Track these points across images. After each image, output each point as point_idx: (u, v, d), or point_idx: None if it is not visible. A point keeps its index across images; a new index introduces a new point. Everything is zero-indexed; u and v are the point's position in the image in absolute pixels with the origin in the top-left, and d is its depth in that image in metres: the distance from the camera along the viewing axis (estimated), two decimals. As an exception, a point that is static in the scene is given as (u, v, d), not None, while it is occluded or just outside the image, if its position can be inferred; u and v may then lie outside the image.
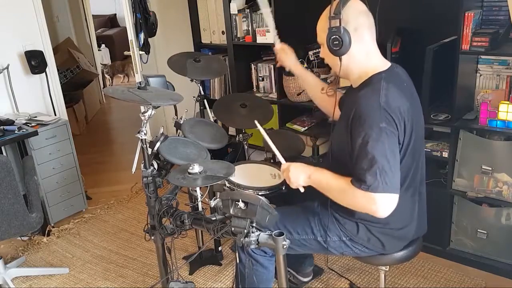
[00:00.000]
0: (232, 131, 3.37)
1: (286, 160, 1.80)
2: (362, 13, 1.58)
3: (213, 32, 3.46)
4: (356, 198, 1.52)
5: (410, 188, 1.66)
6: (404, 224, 1.69)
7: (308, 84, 2.07)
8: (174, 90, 2.46)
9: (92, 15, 6.40)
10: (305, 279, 2.37)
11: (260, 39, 3.00)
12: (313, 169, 1.68)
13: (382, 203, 1.48)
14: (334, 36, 1.54)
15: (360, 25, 1.56)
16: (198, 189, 1.79)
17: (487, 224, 2.39)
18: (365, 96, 1.54)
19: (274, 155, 2.48)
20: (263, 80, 3.21)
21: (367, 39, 1.59)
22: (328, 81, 2.96)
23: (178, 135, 2.26)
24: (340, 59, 1.59)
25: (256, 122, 2.00)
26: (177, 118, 2.33)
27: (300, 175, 1.69)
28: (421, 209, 1.76)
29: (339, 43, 1.54)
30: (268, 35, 2.93)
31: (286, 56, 2.07)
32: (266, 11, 2.18)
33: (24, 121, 3.07)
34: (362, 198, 1.50)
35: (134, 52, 3.45)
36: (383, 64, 1.63)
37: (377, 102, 1.49)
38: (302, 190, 1.70)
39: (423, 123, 1.70)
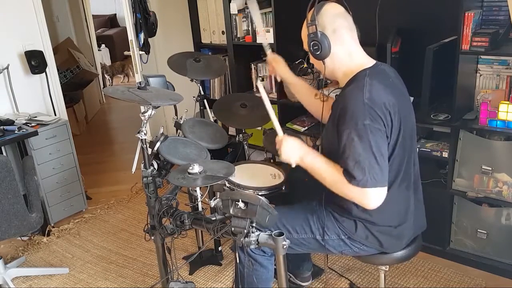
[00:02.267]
0: (232, 131, 3.36)
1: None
2: (338, 16, 1.62)
3: (213, 32, 3.46)
4: (347, 190, 1.57)
5: (403, 183, 1.67)
6: (400, 220, 1.70)
7: (301, 91, 2.09)
8: (174, 90, 2.46)
9: (92, 15, 6.40)
10: (304, 284, 2.37)
11: (260, 39, 3.00)
12: (307, 151, 1.68)
13: (373, 197, 1.54)
14: (313, 42, 1.60)
15: (338, 27, 1.61)
16: (198, 189, 1.79)
17: (487, 224, 2.39)
18: (350, 93, 1.57)
19: (274, 155, 2.49)
20: (263, 80, 3.21)
21: (347, 39, 1.63)
22: (328, 81, 2.96)
23: (178, 135, 2.27)
24: (324, 62, 1.63)
25: (259, 83, 1.92)
26: (177, 118, 2.33)
27: (293, 153, 1.69)
28: (418, 205, 1.77)
29: (319, 48, 1.59)
30: (268, 35, 2.93)
31: (278, 65, 2.09)
32: (258, 21, 2.17)
33: (24, 121, 3.07)
34: (353, 192, 1.55)
35: (134, 52, 3.45)
36: (368, 61, 1.66)
37: (361, 99, 1.51)
38: (293, 165, 1.70)
39: (413, 120, 1.72)
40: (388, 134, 1.56)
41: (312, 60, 1.70)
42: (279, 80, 2.13)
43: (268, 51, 2.11)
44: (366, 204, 1.56)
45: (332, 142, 1.63)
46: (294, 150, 1.69)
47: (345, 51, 1.64)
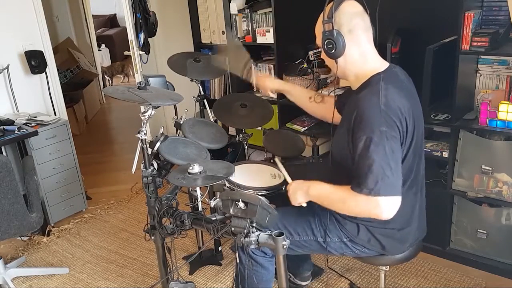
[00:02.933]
0: (232, 131, 3.36)
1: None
2: (356, 15, 1.58)
3: (213, 32, 3.46)
4: (359, 204, 1.52)
5: (412, 187, 1.66)
6: (404, 224, 1.69)
7: (295, 96, 2.10)
8: (174, 90, 2.46)
9: (92, 15, 6.40)
10: (304, 283, 2.37)
11: (260, 39, 3.00)
12: (310, 183, 1.68)
13: (385, 206, 1.49)
14: (328, 40, 1.56)
15: (354, 27, 1.57)
16: (198, 189, 1.79)
17: (487, 224, 2.39)
18: (365, 98, 1.54)
19: (273, 155, 2.49)
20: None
21: (363, 40, 1.60)
22: (328, 81, 2.97)
23: (178, 135, 2.26)
24: (336, 62, 1.60)
25: (276, 159, 2.03)
26: (177, 118, 2.33)
27: (297, 192, 1.70)
28: (421, 209, 1.76)
29: (333, 46, 1.56)
30: (268, 35, 2.93)
31: (266, 82, 2.11)
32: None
33: (24, 121, 3.07)
34: (365, 202, 1.50)
35: (134, 52, 3.45)
36: (381, 64, 1.64)
37: (377, 105, 1.49)
38: (304, 205, 1.71)
39: (423, 121, 1.70)
40: (403, 141, 1.54)
41: (324, 57, 1.67)
42: (274, 96, 2.15)
43: (250, 79, 2.15)
44: (378, 214, 1.50)
45: (344, 148, 1.60)
46: (296, 190, 1.70)
47: (359, 52, 1.60)
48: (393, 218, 1.59)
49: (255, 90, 3.14)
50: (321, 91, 2.86)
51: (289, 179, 1.81)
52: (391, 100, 1.50)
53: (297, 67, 2.91)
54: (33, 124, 3.05)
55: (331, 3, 1.57)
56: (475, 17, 2.16)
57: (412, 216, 1.71)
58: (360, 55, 1.61)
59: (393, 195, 1.49)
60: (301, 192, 1.69)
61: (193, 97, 2.72)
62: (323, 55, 1.67)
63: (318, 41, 1.65)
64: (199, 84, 2.65)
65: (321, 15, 1.62)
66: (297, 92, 2.10)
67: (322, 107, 2.00)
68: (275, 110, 2.98)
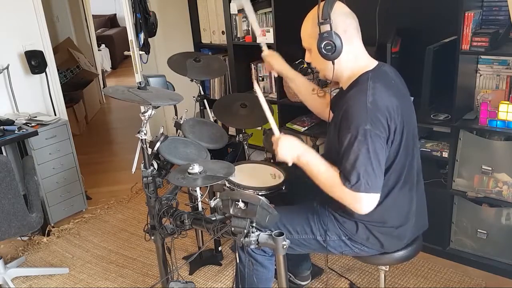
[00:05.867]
0: (232, 131, 3.37)
1: None
2: (348, 15, 1.60)
3: (213, 32, 3.46)
4: (341, 192, 1.57)
5: (406, 184, 1.67)
6: (402, 221, 1.70)
7: (298, 86, 2.07)
8: (174, 90, 2.46)
9: (92, 15, 6.40)
10: (303, 283, 2.37)
11: (260, 39, 2.99)
12: (304, 149, 1.66)
13: (365, 202, 1.54)
14: (327, 41, 1.55)
15: (348, 27, 1.59)
16: (198, 189, 1.79)
17: (487, 224, 2.39)
18: (353, 97, 1.56)
19: (273, 156, 2.49)
20: (263, 80, 3.21)
21: (355, 40, 1.62)
22: (327, 81, 2.97)
23: (178, 135, 2.27)
24: (333, 63, 1.60)
25: (255, 84, 1.91)
26: (177, 118, 2.33)
27: (289, 152, 1.67)
28: (420, 205, 1.76)
29: (332, 48, 1.55)
30: (268, 35, 2.93)
31: (275, 60, 2.05)
32: (252, 18, 2.16)
33: (24, 121, 3.07)
34: (347, 194, 1.55)
35: (134, 52, 3.44)
36: (371, 63, 1.65)
37: (364, 103, 1.51)
38: (289, 164, 1.68)
39: (415, 119, 1.71)
40: (391, 139, 1.55)
41: (313, 59, 1.67)
42: (276, 75, 2.11)
43: (265, 47, 2.06)
44: (357, 209, 1.55)
45: (334, 144, 1.62)
46: (290, 148, 1.67)
47: (352, 52, 1.61)
48: (390, 216, 1.62)
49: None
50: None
51: (276, 131, 1.75)
52: (378, 98, 1.51)
53: (297, 67, 2.91)
54: (33, 124, 3.05)
55: (321, 4, 1.56)
56: (475, 17, 2.16)
57: (409, 213, 1.72)
58: (353, 55, 1.62)
59: (372, 192, 1.53)
60: (292, 154, 1.66)
61: (193, 97, 2.73)
62: (313, 58, 1.66)
63: (308, 44, 1.65)
64: (199, 84, 2.65)
65: (310, 15, 1.63)
66: (301, 81, 2.06)
67: (323, 102, 1.99)
68: (275, 110, 2.98)
